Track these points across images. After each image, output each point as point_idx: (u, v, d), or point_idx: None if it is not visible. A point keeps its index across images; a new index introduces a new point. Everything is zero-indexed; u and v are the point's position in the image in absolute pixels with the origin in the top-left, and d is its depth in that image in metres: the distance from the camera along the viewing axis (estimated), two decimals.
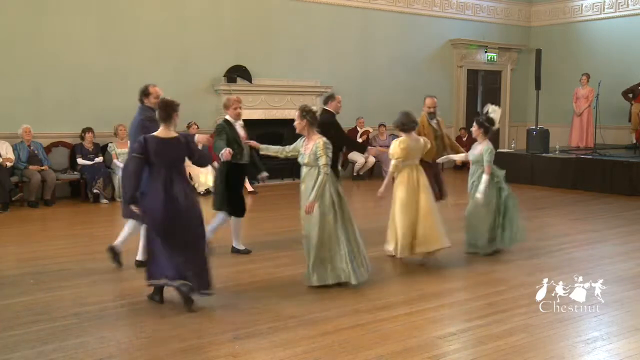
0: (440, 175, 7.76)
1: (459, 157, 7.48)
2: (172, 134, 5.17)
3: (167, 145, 5.11)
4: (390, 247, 6.65)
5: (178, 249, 5.07)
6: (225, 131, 6.58)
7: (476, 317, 4.99)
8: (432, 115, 7.65)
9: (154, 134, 5.17)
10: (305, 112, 5.70)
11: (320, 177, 5.52)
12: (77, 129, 10.71)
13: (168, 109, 5.14)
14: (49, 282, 5.84)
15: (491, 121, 6.85)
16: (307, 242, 5.70)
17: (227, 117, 6.74)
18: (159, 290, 5.24)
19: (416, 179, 6.44)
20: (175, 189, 5.08)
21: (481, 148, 6.75)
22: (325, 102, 7.37)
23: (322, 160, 5.53)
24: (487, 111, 7.01)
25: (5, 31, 10.21)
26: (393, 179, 6.51)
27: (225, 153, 6.18)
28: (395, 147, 6.39)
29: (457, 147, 7.92)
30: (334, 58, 13.81)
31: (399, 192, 6.42)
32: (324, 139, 5.67)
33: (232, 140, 6.54)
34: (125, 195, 5.97)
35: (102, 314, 5.04)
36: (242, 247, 6.94)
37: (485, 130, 6.78)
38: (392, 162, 6.46)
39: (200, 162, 5.54)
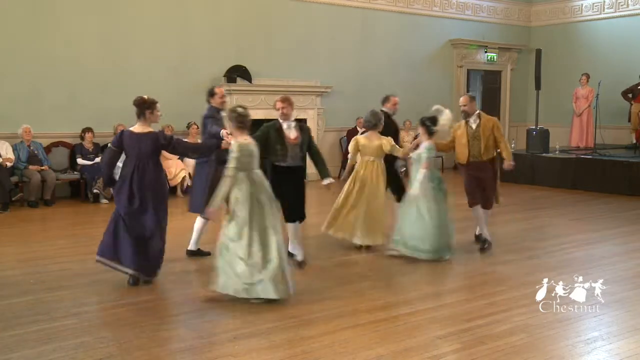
0: (487, 179, 7.18)
1: (400, 153, 7.17)
2: (147, 129, 5.70)
3: (139, 139, 5.63)
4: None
5: (136, 238, 5.61)
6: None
7: (476, 317, 4.99)
8: (465, 114, 7.20)
9: (130, 128, 5.75)
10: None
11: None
12: (77, 129, 10.71)
13: (140, 107, 5.69)
14: (49, 282, 5.84)
15: (434, 120, 6.86)
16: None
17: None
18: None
19: (368, 174, 7.02)
20: (145, 180, 5.61)
21: (422, 146, 6.80)
22: (383, 104, 7.79)
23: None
24: (433, 110, 7.04)
25: (5, 31, 10.21)
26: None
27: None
28: (350, 143, 7.27)
29: (501, 149, 7.29)
30: (334, 58, 13.80)
31: (346, 184, 7.17)
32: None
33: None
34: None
35: (102, 314, 5.04)
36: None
37: (428, 129, 6.81)
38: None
39: (180, 151, 6.17)
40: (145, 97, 5.81)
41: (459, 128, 7.22)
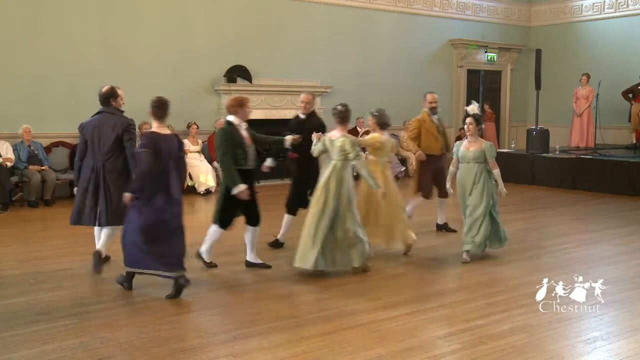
0: (443, 171, 7.85)
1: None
2: (167, 130, 5.65)
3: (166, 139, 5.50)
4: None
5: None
6: (231, 137, 6.04)
7: (476, 317, 4.99)
8: (434, 110, 7.92)
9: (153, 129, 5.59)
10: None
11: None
12: (77, 129, 10.69)
13: (163, 108, 5.59)
14: (49, 282, 5.84)
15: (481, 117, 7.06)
16: None
17: (231, 118, 6.14)
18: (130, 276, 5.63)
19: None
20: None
21: (483, 144, 6.79)
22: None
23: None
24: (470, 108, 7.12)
25: (5, 31, 10.21)
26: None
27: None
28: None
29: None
30: (334, 58, 13.81)
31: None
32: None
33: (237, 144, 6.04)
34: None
35: (102, 314, 5.04)
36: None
37: (479, 123, 6.87)
38: None
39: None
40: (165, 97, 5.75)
41: (424, 122, 7.84)
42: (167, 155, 5.41)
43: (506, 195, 6.86)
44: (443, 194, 7.86)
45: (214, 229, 6.26)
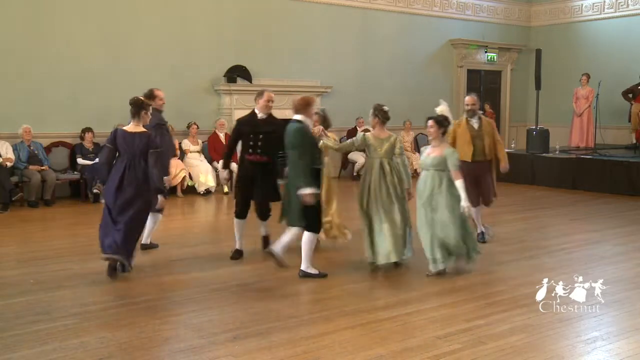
0: (486, 178, 7.28)
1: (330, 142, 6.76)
2: (139, 129, 5.99)
3: (133, 138, 5.95)
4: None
5: (117, 228, 5.84)
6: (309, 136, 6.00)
7: (476, 317, 4.98)
8: (470, 113, 7.37)
9: (124, 127, 6.06)
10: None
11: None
12: (77, 129, 10.71)
13: (137, 107, 5.99)
14: (49, 282, 5.84)
15: (448, 120, 6.34)
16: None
17: (300, 117, 5.99)
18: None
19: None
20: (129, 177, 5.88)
21: (444, 151, 6.16)
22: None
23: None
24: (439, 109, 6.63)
25: (5, 32, 10.21)
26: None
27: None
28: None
29: (498, 151, 7.44)
30: (334, 58, 13.81)
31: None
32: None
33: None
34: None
35: (102, 314, 5.04)
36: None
37: (444, 128, 6.24)
38: None
39: (151, 163, 5.96)
40: (142, 97, 6.22)
41: (459, 126, 7.26)
42: (129, 153, 5.92)
43: (467, 212, 6.07)
44: (485, 201, 7.41)
45: (309, 237, 5.96)
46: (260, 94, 6.66)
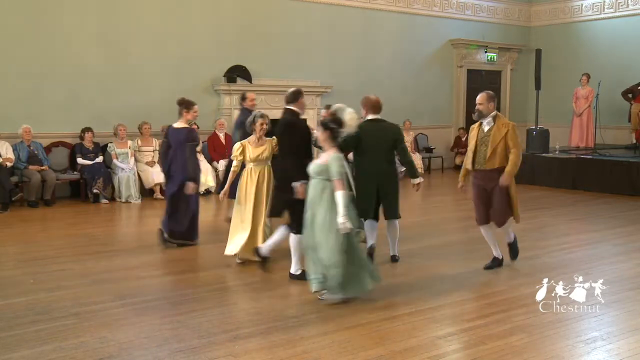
0: (495, 190, 6.18)
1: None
2: (182, 124, 7.19)
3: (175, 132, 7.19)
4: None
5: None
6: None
7: (476, 317, 4.99)
8: (478, 114, 6.25)
9: (173, 125, 7.30)
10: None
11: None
12: (77, 129, 10.71)
13: (178, 106, 7.25)
14: (49, 282, 5.84)
15: (339, 122, 5.55)
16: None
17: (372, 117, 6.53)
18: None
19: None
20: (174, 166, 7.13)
21: (328, 156, 5.28)
22: None
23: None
24: (335, 109, 6.12)
25: (5, 31, 10.21)
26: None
27: None
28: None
29: (511, 159, 6.15)
30: (334, 58, 13.81)
31: None
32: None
33: None
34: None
35: (102, 314, 5.04)
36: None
37: (333, 133, 5.36)
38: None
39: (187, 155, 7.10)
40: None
41: (472, 130, 6.37)
42: (175, 144, 7.11)
43: (346, 230, 5.10)
44: (495, 219, 6.33)
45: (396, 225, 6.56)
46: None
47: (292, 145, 5.93)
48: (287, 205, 5.87)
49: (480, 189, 6.26)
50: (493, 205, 6.24)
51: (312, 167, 5.37)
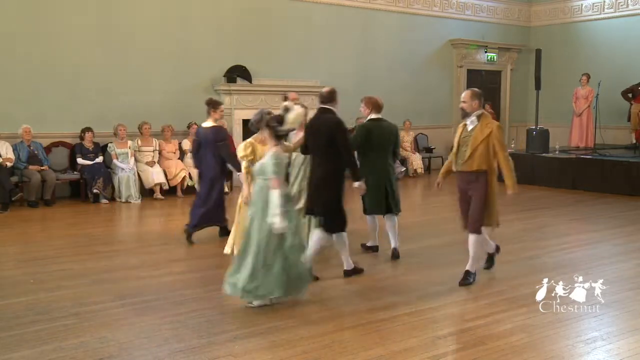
0: (473, 193, 5.80)
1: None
2: (211, 124, 7.46)
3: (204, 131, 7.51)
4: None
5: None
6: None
7: (476, 317, 4.99)
8: (463, 113, 5.89)
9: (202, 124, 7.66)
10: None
11: None
12: (77, 129, 10.71)
13: (206, 107, 7.54)
14: (49, 282, 5.84)
15: (280, 120, 5.29)
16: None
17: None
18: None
19: None
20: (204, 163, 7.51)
21: (267, 155, 5.24)
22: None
23: None
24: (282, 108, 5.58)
25: (4, 31, 10.20)
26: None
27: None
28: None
29: (501, 167, 5.82)
30: (334, 58, 13.81)
31: None
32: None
33: None
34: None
35: (102, 314, 5.04)
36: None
37: (275, 132, 5.23)
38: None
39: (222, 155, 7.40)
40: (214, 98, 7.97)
41: (458, 129, 6.05)
42: (205, 143, 7.41)
43: (282, 231, 4.98)
44: (468, 224, 5.93)
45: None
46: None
47: (346, 145, 5.82)
48: (325, 205, 5.81)
49: (462, 192, 5.93)
50: (470, 210, 5.85)
51: (255, 167, 5.38)
